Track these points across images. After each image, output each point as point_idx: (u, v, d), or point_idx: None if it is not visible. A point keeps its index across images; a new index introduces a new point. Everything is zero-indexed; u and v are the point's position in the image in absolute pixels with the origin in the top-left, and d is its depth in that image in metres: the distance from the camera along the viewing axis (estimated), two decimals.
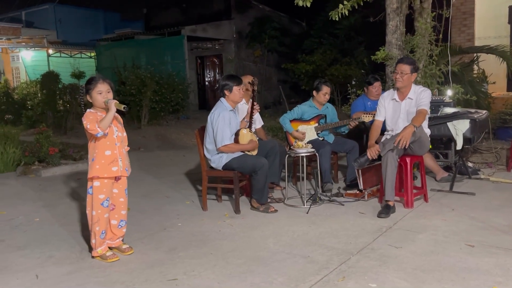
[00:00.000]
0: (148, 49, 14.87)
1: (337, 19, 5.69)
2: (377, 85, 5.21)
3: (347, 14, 5.69)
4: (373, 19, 6.83)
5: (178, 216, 4.07)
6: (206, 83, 16.41)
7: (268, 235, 3.46)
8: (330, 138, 4.97)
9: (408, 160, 4.05)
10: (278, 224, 3.73)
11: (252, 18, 15.77)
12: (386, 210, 3.82)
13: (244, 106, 4.63)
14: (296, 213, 4.04)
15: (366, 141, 4.98)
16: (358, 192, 4.41)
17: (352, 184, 4.69)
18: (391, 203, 3.90)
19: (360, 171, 4.21)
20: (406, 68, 4.04)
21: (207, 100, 16.17)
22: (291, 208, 4.18)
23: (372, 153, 3.95)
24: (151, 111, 11.74)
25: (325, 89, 4.87)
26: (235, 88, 4.08)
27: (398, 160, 3.95)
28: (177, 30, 14.29)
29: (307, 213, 3.99)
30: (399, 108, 4.16)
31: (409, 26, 6.17)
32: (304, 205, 4.21)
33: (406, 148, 3.84)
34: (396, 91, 4.21)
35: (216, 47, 15.93)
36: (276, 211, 4.05)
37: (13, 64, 19.89)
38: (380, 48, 6.02)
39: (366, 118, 4.70)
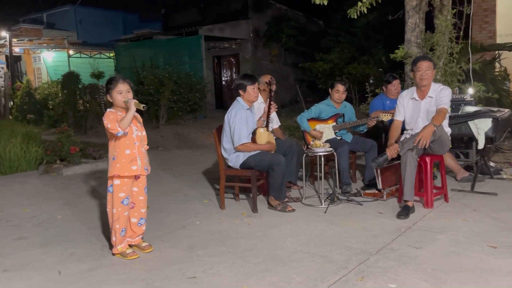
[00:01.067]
0: (166, 49, 15.01)
1: (355, 17, 5.64)
2: (396, 83, 5.15)
3: (365, 12, 5.63)
4: (392, 17, 6.74)
5: (197, 215, 4.10)
6: (223, 82, 16.47)
7: (286, 234, 3.46)
8: (348, 137, 4.94)
9: (428, 159, 3.99)
10: (296, 223, 3.73)
11: (269, 17, 15.75)
12: (405, 211, 3.77)
13: (261, 106, 4.63)
14: (314, 212, 4.02)
15: (385, 141, 4.94)
16: (376, 191, 4.37)
17: (370, 184, 4.64)
18: (410, 203, 3.85)
19: (379, 170, 4.17)
20: (430, 64, 3.99)
21: (224, 99, 16.24)
22: (309, 208, 4.17)
23: (391, 152, 3.90)
24: (169, 110, 11.84)
25: (337, 87, 4.83)
26: (249, 87, 4.08)
27: (418, 160, 3.89)
28: (194, 30, 14.38)
29: (325, 212, 3.97)
30: (418, 107, 4.09)
31: (429, 24, 6.07)
32: (322, 205, 4.19)
33: (426, 147, 3.78)
34: (415, 90, 4.15)
35: (233, 46, 15.97)
36: (293, 210, 4.04)
37: (35, 65, 20.33)
38: (399, 46, 5.95)
39: (385, 117, 4.65)
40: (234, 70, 16.18)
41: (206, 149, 8.37)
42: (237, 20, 15.34)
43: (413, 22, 5.85)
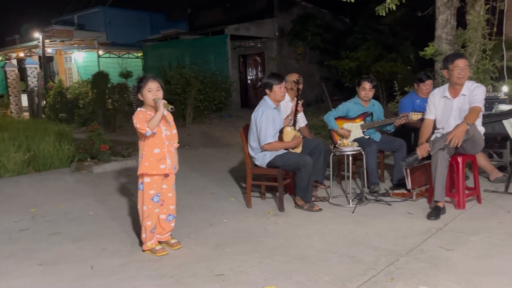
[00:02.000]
0: (192, 49, 15.16)
1: (383, 14, 5.54)
2: (429, 83, 4.99)
3: (394, 9, 5.53)
4: (421, 14, 6.60)
5: (223, 213, 4.12)
6: (248, 81, 16.50)
7: (313, 234, 3.44)
8: (377, 136, 4.86)
9: (460, 159, 3.89)
10: (323, 222, 3.70)
11: (295, 16, 15.69)
12: (435, 212, 3.68)
13: (288, 104, 4.61)
14: (341, 212, 3.98)
15: (414, 140, 4.84)
16: (406, 191, 4.29)
17: (399, 184, 4.56)
18: (441, 204, 3.76)
19: (408, 170, 4.09)
20: (467, 62, 3.89)
21: (249, 98, 16.28)
22: (336, 207, 4.14)
23: (422, 151, 3.82)
24: (195, 109, 11.96)
25: (364, 84, 4.75)
26: (275, 87, 4.07)
27: (449, 159, 3.80)
28: (220, 30, 14.46)
29: (353, 212, 3.92)
30: (450, 106, 3.99)
31: (460, 20, 5.91)
32: (349, 204, 4.15)
33: (458, 146, 3.68)
34: (447, 88, 4.04)
35: (258, 45, 15.98)
36: (320, 209, 4.02)
37: (66, 65, 20.90)
38: (429, 43, 5.81)
39: (415, 116, 4.55)
40: (259, 69, 16.19)
41: (231, 148, 8.41)
42: (263, 19, 15.34)
43: (444, 18, 5.71)
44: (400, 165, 4.41)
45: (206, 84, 12.19)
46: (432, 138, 3.99)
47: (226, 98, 12.85)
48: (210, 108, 12.39)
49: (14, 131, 7.48)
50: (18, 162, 6.30)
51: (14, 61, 18.72)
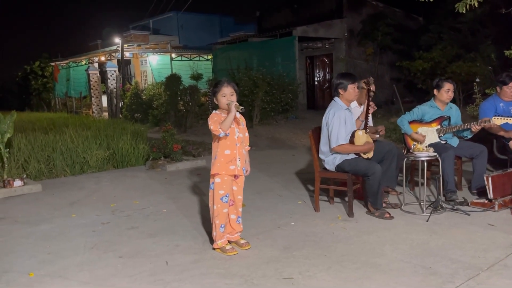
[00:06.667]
0: (260, 51, 15.31)
1: (463, 11, 5.21)
2: None
3: (476, 6, 5.19)
4: (506, 10, 6.12)
5: (291, 215, 4.13)
6: (315, 83, 16.34)
7: (385, 241, 3.33)
8: (454, 141, 4.60)
9: None
10: (395, 230, 3.58)
11: (365, 15, 15.26)
12: None
13: (355, 110, 4.49)
14: (415, 220, 3.82)
15: (497, 146, 4.52)
16: (486, 201, 4.00)
17: (479, 192, 4.27)
18: None
19: (490, 178, 3.82)
20: None
21: (315, 100, 16.11)
22: (409, 215, 3.98)
23: None
24: (262, 111, 12.07)
25: (447, 86, 4.51)
26: (350, 86, 3.99)
27: None
28: (288, 31, 14.46)
29: (427, 221, 3.75)
30: None
31: None
32: (423, 212, 3.97)
33: None
34: None
35: (327, 46, 15.77)
36: (392, 217, 3.88)
37: (142, 68, 22.10)
38: None
39: (498, 121, 4.23)
40: (327, 70, 15.97)
41: (297, 150, 8.38)
42: (331, 19, 15.10)
43: None
44: (480, 172, 4.13)
45: (273, 86, 12.25)
46: None
47: (292, 100, 12.82)
48: (277, 110, 12.44)
49: (95, 130, 8.02)
50: (99, 159, 6.78)
51: (96, 65, 20.12)
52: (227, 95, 3.18)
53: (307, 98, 15.98)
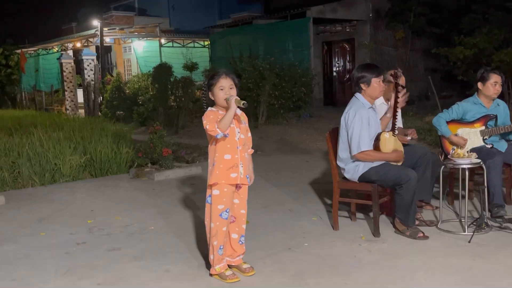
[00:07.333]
0: (267, 36, 15.34)
1: None
2: None
3: None
4: None
5: (304, 234, 4.13)
6: (334, 73, 16.35)
7: (418, 267, 3.34)
8: (502, 146, 4.60)
9: None
10: (430, 253, 3.59)
11: None
12: None
13: (381, 107, 4.49)
14: (454, 241, 3.84)
15: None
16: None
17: None
18: None
19: None
20: None
21: (334, 94, 16.11)
22: (447, 234, 3.99)
23: None
24: (269, 108, 12.09)
25: (494, 78, 4.51)
26: (374, 80, 3.99)
27: None
28: (301, 12, 14.48)
29: (469, 242, 3.75)
30: None
31: None
32: (464, 231, 3.99)
33: None
34: None
35: (347, 30, 15.77)
36: (426, 237, 3.89)
37: (125, 56, 22.22)
38: None
39: None
40: (348, 58, 15.97)
41: (312, 155, 8.39)
42: None
43: None
44: None
45: (282, 77, 12.27)
46: None
47: (306, 95, 12.83)
48: (287, 107, 12.45)
49: (69, 131, 8.06)
50: (74, 166, 6.82)
51: (70, 53, 20.26)
52: (226, 88, 3.18)
53: (323, 93, 15.99)
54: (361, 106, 4.01)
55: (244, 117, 3.36)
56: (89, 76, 17.06)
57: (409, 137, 4.39)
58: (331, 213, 4.41)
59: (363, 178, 4.03)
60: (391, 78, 4.34)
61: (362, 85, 4.03)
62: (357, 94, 4.10)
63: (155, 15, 23.77)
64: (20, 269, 3.59)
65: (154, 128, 6.97)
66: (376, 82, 4.00)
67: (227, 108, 3.14)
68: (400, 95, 4.14)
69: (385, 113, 4.28)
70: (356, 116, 3.96)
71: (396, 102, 4.20)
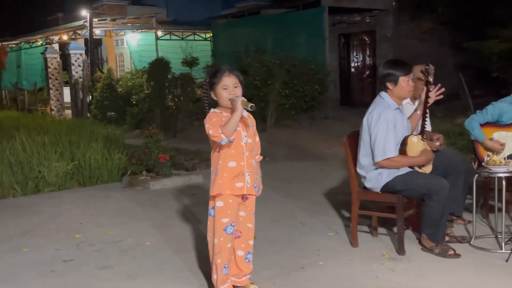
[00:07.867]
0: (277, 27, 15.37)
1: None
2: None
3: None
4: None
5: (319, 252, 4.13)
6: (352, 70, 16.36)
7: None
8: None
9: None
10: (461, 273, 3.59)
11: None
12: None
13: (408, 107, 4.49)
14: (489, 259, 3.84)
15: None
16: None
17: None
18: None
19: None
20: None
21: (352, 93, 16.12)
22: (481, 252, 3.98)
23: None
24: (279, 108, 12.11)
25: None
26: (402, 79, 3.99)
27: None
28: (315, 0, 14.52)
29: (507, 261, 3.74)
30: None
31: None
32: (501, 249, 3.98)
33: None
34: None
35: (367, 20, 15.79)
36: (458, 255, 3.88)
37: (117, 50, 22.35)
38: None
39: None
40: (368, 52, 15.98)
41: (327, 161, 8.39)
42: None
43: None
44: None
45: (294, 74, 12.30)
46: None
47: (320, 94, 12.86)
48: (299, 107, 12.47)
49: (55, 135, 8.12)
50: (60, 173, 6.85)
51: (56, 46, 20.40)
52: (229, 87, 3.18)
53: (340, 91, 15.99)
54: (386, 107, 4.01)
55: (251, 120, 3.35)
56: (77, 72, 17.15)
57: (437, 143, 4.38)
58: (349, 228, 4.42)
59: (387, 188, 4.02)
60: (421, 76, 4.35)
61: (389, 84, 4.04)
62: (383, 93, 4.10)
63: (151, 4, 23.94)
64: None
65: (150, 131, 6.99)
66: (405, 82, 4.00)
67: (231, 109, 3.13)
68: (431, 94, 4.15)
69: (416, 109, 4.28)
70: (380, 118, 3.95)
71: (426, 102, 4.20)
